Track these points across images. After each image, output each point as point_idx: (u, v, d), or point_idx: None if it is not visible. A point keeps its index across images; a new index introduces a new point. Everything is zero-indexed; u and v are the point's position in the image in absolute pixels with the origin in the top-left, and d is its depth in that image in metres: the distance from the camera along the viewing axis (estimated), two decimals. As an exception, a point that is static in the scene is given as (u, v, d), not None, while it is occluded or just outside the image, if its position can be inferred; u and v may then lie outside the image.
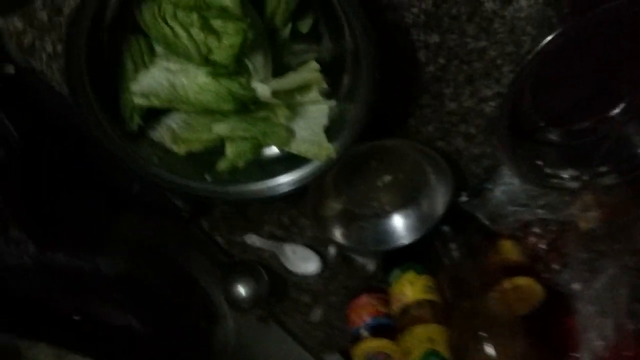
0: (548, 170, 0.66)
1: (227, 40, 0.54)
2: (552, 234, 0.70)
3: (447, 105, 0.66)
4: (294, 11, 0.59)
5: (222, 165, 0.65)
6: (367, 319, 0.74)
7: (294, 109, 0.63)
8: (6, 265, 0.67)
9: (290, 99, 0.61)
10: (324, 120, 0.63)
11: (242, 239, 0.79)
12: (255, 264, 0.78)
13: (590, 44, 0.60)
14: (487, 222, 0.72)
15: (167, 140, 0.65)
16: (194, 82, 0.58)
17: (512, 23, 0.59)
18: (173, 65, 0.58)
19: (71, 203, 0.69)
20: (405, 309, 0.71)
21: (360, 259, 0.79)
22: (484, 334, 0.61)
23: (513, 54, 0.61)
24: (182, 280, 0.80)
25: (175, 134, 0.65)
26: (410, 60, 0.63)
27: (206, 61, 0.56)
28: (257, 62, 0.58)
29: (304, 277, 0.80)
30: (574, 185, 0.67)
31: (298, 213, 0.77)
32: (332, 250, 0.79)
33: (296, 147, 0.64)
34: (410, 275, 0.73)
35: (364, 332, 0.73)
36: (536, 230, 0.70)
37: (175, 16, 0.54)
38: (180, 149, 0.65)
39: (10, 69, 0.62)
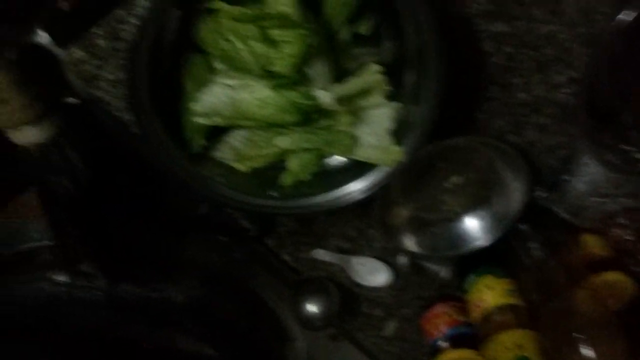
0: (637, 155, 0.63)
1: (287, 49, 0.53)
2: None
3: (516, 96, 0.64)
4: (353, 13, 0.58)
5: (286, 179, 0.64)
6: (445, 329, 0.71)
7: (356, 115, 0.61)
8: (76, 299, 0.67)
9: (352, 105, 0.60)
10: (388, 124, 0.61)
11: (310, 254, 0.78)
12: (325, 280, 0.76)
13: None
14: (567, 217, 0.68)
15: (230, 159, 0.64)
16: (255, 96, 0.57)
17: (581, 1, 0.57)
18: (233, 81, 0.58)
19: (139, 232, 0.69)
20: (487, 316, 0.67)
21: (432, 267, 0.76)
22: (580, 335, 0.58)
23: (584, 35, 0.59)
24: (251, 302, 0.78)
25: (238, 151, 0.64)
26: (475, 52, 0.62)
27: (267, 73, 0.55)
28: (318, 69, 0.57)
29: (375, 290, 0.78)
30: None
31: (364, 224, 0.76)
32: (402, 260, 0.76)
33: (361, 154, 0.62)
34: (488, 280, 0.70)
35: (443, 344, 0.70)
36: (621, 221, 0.67)
37: (233, 30, 0.54)
38: (244, 167, 0.64)
39: (75, 100, 0.62)
